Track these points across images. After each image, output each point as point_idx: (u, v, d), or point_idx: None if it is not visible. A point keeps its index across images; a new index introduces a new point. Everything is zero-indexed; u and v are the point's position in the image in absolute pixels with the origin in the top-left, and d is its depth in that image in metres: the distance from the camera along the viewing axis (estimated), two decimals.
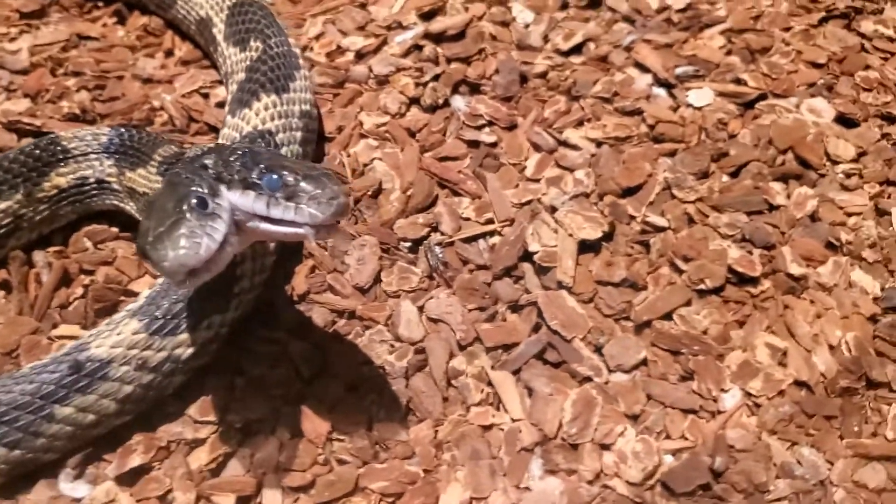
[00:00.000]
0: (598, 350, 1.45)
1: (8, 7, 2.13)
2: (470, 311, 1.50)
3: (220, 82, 1.90)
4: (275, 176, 1.13)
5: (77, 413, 1.28)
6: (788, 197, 1.66)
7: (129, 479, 1.31)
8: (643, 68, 1.90)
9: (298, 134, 1.63)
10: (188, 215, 1.07)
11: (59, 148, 1.60)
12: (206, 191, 1.12)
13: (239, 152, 1.19)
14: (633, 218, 1.63)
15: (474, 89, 1.88)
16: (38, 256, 1.59)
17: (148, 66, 1.96)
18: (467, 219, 1.63)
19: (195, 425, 1.36)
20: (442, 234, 1.61)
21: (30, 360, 1.42)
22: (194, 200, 1.09)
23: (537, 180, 1.69)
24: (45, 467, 1.32)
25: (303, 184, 1.13)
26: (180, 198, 1.10)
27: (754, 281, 1.53)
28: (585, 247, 1.57)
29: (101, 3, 2.13)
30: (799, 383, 1.42)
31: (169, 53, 2.02)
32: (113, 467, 1.32)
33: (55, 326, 1.49)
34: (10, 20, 2.11)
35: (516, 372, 1.43)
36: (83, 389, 1.28)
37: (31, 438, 1.26)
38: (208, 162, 1.19)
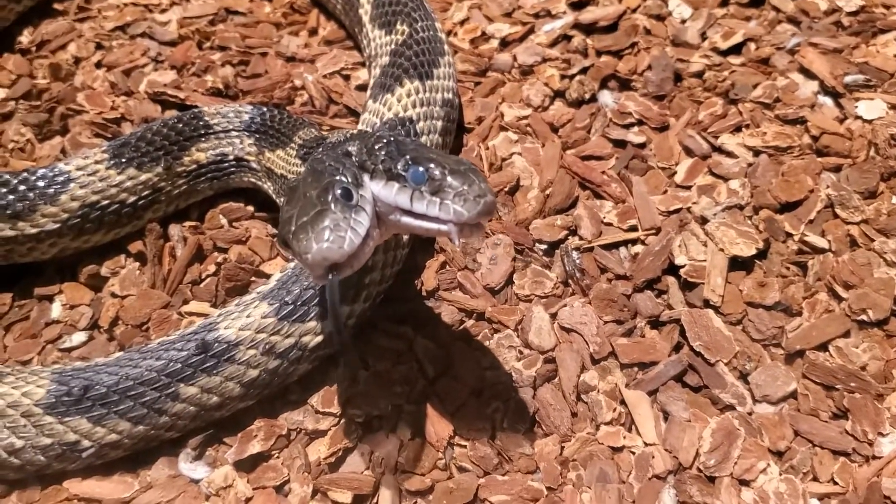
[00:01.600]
0: (743, 377, 1.34)
1: None
2: (606, 323, 1.42)
3: (363, 64, 1.87)
4: (420, 168, 1.08)
5: (202, 393, 1.27)
6: None
7: (247, 465, 1.29)
8: (808, 74, 1.76)
9: (439, 123, 1.58)
10: (333, 206, 1.03)
11: (201, 123, 1.60)
12: (350, 180, 1.07)
13: (384, 141, 1.14)
14: (790, 236, 1.50)
15: (624, 85, 1.79)
16: (174, 230, 1.59)
17: (292, 45, 1.94)
18: (609, 224, 1.55)
19: (317, 416, 1.34)
20: (581, 238, 1.53)
21: (159, 334, 1.43)
22: (339, 191, 1.05)
23: (688, 187, 1.59)
24: (166, 445, 1.31)
25: (449, 178, 1.07)
26: (325, 187, 1.06)
27: None
28: (737, 264, 1.46)
29: None
30: None
31: (313, 32, 2.00)
32: (232, 452, 1.30)
33: (185, 302, 1.49)
34: None
35: (652, 393, 1.34)
36: (209, 370, 1.27)
37: (155, 415, 1.26)
38: (352, 149, 1.15)
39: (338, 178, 1.07)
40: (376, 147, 1.13)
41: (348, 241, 1.00)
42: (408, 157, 1.10)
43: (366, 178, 1.10)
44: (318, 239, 1.00)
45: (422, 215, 1.08)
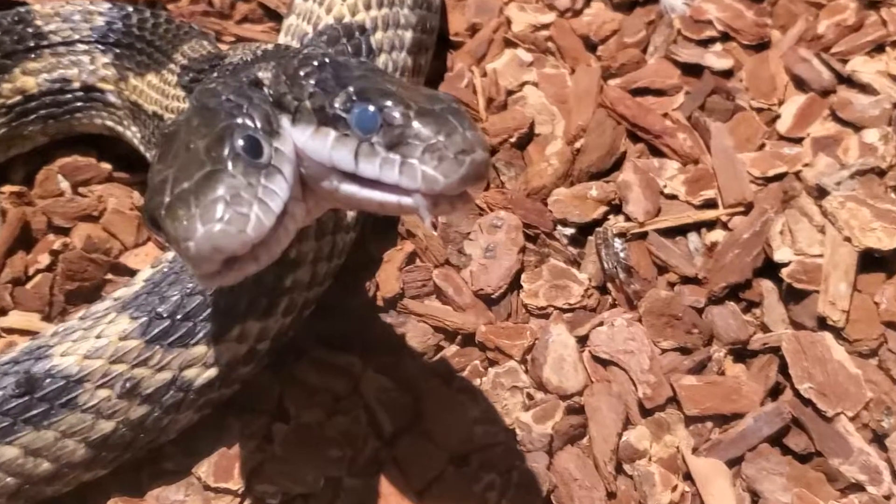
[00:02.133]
0: (878, 439, 1.36)
1: None
2: (664, 351, 1.44)
3: None
4: (371, 107, 1.08)
5: (24, 457, 1.27)
6: None
7: None
8: None
9: (408, 35, 1.59)
10: (230, 166, 1.02)
11: (30, 30, 1.60)
12: (259, 125, 1.07)
13: (315, 63, 1.14)
14: None
15: None
16: None
17: None
18: (672, 196, 1.57)
19: (205, 494, 1.34)
20: (628, 218, 1.55)
21: None
22: (241, 142, 1.04)
23: (798, 140, 1.62)
24: None
25: (417, 124, 1.06)
26: (218, 135, 1.05)
27: None
28: (871, 262, 1.48)
29: None
30: None
31: None
32: None
33: (3, 313, 1.50)
34: None
35: (735, 462, 1.36)
36: (37, 421, 1.27)
37: None
38: (265, 75, 1.15)
39: (240, 120, 1.07)
40: (302, 72, 1.13)
41: (254, 220, 1.00)
42: (351, 88, 1.10)
43: (285, 121, 1.11)
44: (205, 217, 0.99)
45: (373, 181, 1.08)
